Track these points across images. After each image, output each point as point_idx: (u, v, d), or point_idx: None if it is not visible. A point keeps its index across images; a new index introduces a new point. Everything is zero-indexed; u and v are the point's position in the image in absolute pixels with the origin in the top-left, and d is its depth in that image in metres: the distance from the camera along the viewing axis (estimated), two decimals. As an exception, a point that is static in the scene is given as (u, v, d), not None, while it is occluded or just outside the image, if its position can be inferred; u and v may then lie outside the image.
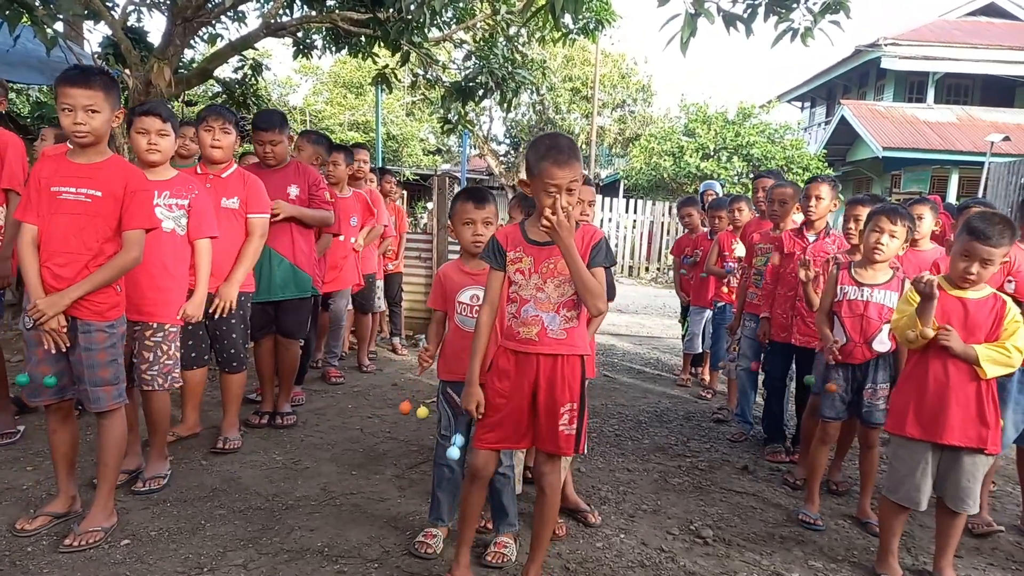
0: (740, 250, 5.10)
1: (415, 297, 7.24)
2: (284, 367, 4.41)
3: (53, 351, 2.70)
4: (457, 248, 3.82)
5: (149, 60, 5.74)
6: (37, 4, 4.45)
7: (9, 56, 5.82)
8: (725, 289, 5.44)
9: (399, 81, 9.14)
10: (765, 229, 4.67)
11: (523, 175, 2.49)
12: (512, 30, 7.59)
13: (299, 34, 7.36)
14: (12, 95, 10.73)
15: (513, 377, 2.48)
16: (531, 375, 2.46)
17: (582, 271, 2.36)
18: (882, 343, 3.32)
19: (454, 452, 2.67)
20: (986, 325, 2.76)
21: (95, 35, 16.10)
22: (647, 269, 17.34)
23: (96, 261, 2.71)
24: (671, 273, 9.33)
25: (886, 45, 19.66)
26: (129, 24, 6.82)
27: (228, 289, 3.71)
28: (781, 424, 4.47)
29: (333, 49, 7.61)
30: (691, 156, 18.15)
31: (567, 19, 7.12)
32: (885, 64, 19.97)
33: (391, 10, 6.00)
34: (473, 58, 7.60)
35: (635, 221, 17.40)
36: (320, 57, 8.04)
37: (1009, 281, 3.34)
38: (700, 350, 6.10)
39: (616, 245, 16.72)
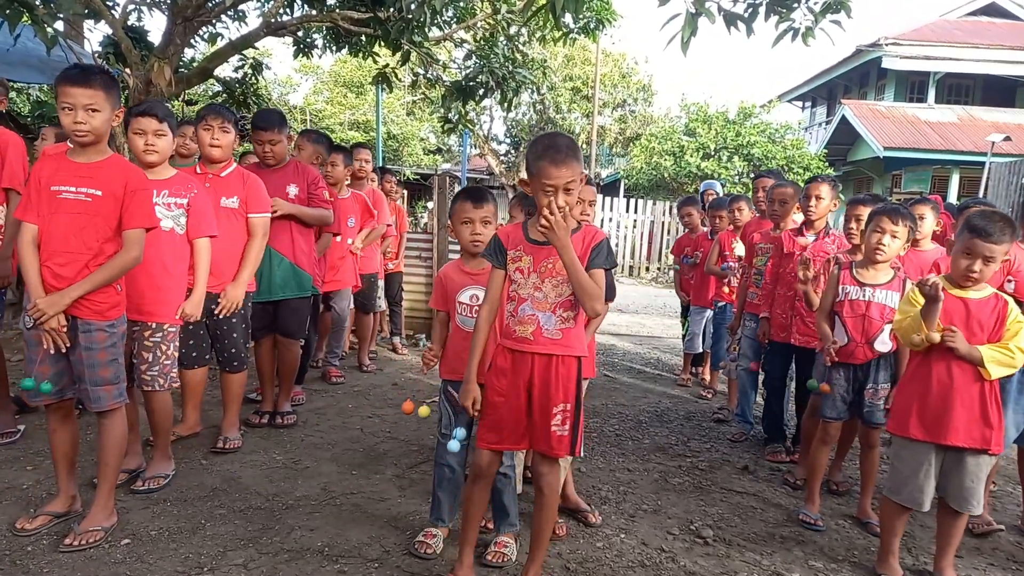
0: (740, 250, 5.10)
1: (415, 297, 7.24)
2: (284, 367, 4.41)
3: (53, 351, 2.69)
4: (458, 248, 3.82)
5: (149, 59, 5.75)
6: (37, 3, 4.45)
7: (9, 55, 5.82)
8: (725, 289, 5.44)
9: (399, 80, 9.13)
10: (765, 229, 4.66)
11: (523, 174, 2.49)
12: (513, 29, 7.59)
13: (299, 33, 7.36)
14: (12, 94, 10.71)
15: (510, 376, 2.48)
16: (526, 374, 2.46)
17: (578, 271, 2.35)
18: (884, 343, 3.32)
19: (454, 445, 2.66)
20: (988, 325, 2.75)
21: (95, 34, 16.13)
22: (647, 269, 17.34)
23: (96, 260, 2.71)
24: (671, 273, 9.33)
25: (887, 45, 19.64)
26: (129, 23, 6.82)
27: (235, 291, 3.71)
28: (781, 424, 4.47)
29: (333, 48, 7.61)
30: (691, 156, 18.13)
31: (567, 18, 7.13)
32: (886, 64, 19.95)
33: (391, 9, 6.01)
34: (473, 57, 7.59)
35: (635, 221, 17.40)
36: (320, 56, 8.05)
37: (1009, 281, 3.35)
38: (700, 350, 6.10)
39: (616, 245, 16.71)
